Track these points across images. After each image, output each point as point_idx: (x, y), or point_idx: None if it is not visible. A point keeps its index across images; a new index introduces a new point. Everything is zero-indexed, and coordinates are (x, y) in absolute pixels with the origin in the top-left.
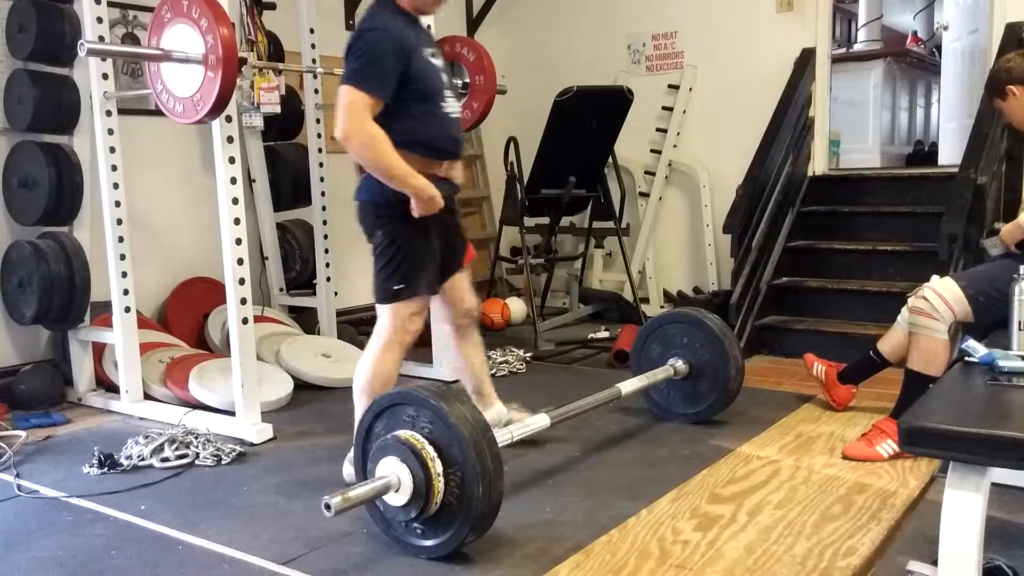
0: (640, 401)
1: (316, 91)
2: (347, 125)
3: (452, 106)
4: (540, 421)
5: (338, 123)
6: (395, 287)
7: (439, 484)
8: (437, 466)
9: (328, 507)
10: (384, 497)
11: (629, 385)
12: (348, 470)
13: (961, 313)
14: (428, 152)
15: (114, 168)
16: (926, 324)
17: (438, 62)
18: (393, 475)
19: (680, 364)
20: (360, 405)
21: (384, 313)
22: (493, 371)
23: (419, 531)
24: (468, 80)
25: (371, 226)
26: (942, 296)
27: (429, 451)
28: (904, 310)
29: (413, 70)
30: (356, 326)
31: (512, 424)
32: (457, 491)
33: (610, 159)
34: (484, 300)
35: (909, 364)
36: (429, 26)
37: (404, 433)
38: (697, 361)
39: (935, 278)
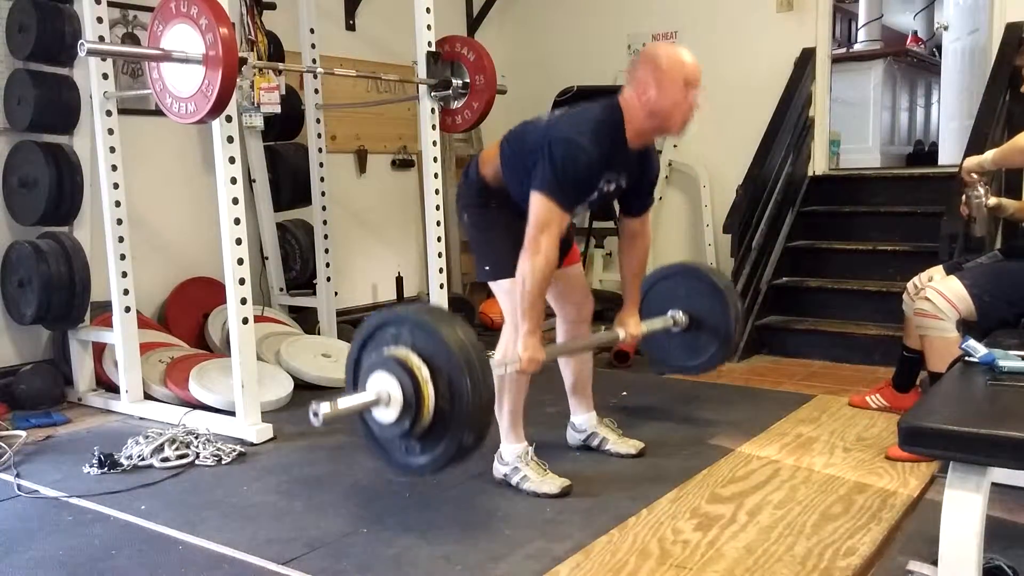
0: (640, 401)
1: (316, 91)
2: None
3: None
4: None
5: None
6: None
7: (428, 390)
8: (424, 372)
9: (316, 414)
10: (377, 416)
11: None
12: (500, 469)
13: (965, 311)
14: None
15: (114, 168)
16: (934, 326)
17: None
18: (383, 390)
19: (680, 315)
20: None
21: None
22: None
23: (419, 448)
24: (468, 80)
25: None
26: (945, 296)
27: (414, 359)
28: (905, 297)
29: None
30: (356, 326)
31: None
32: (448, 394)
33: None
34: (484, 300)
35: (928, 367)
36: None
37: (389, 349)
38: (697, 312)
39: (937, 277)
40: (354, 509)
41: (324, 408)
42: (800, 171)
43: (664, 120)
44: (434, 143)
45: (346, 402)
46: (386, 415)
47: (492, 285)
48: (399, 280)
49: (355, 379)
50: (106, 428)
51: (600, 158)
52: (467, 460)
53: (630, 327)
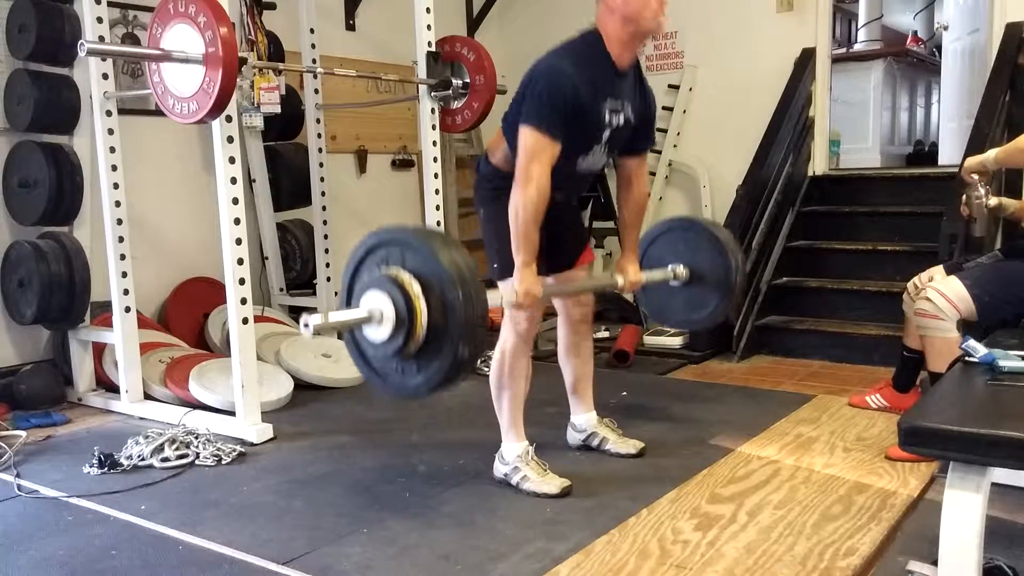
0: (640, 401)
1: (316, 91)
2: None
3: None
4: None
5: None
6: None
7: (421, 305)
8: (416, 288)
9: (307, 325)
10: (370, 336)
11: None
12: (500, 469)
13: (965, 311)
14: None
15: (114, 168)
16: (934, 325)
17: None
18: (375, 308)
19: (680, 268)
20: (494, 398)
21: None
22: None
23: (415, 367)
24: (468, 80)
25: None
26: (946, 296)
27: (405, 276)
28: (906, 297)
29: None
30: None
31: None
32: (440, 308)
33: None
34: None
35: (929, 367)
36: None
37: (380, 269)
38: (698, 266)
39: (938, 276)
40: (354, 509)
41: (315, 320)
42: (800, 171)
43: (638, 22)
44: (434, 143)
45: (338, 316)
46: (379, 333)
47: (499, 284)
48: None
49: (348, 304)
50: (106, 428)
51: (588, 83)
52: (462, 378)
53: (630, 274)
